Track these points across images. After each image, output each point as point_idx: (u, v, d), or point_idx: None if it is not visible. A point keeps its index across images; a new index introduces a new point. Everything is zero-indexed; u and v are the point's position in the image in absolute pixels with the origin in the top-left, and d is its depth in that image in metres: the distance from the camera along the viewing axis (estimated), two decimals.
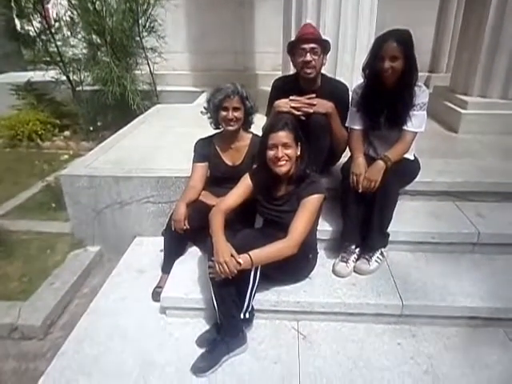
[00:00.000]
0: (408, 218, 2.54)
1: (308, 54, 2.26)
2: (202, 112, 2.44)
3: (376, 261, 2.31)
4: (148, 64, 5.62)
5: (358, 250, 2.34)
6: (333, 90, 2.42)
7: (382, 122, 2.27)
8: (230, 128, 2.33)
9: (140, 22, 5.31)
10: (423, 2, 5.93)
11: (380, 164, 2.16)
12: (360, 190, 2.17)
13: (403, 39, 2.09)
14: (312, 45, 2.26)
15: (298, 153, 2.00)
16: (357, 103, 2.34)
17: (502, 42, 3.60)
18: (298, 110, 2.27)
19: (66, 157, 4.48)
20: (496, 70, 3.69)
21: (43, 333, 2.29)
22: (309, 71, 2.30)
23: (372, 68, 2.19)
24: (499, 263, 2.39)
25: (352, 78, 2.58)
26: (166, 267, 2.42)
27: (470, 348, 1.98)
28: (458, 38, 4.40)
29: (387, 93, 2.21)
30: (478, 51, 3.74)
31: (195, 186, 2.42)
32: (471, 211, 2.62)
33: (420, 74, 2.17)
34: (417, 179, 2.52)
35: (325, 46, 2.34)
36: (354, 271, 2.30)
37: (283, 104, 2.31)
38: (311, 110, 2.28)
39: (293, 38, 2.50)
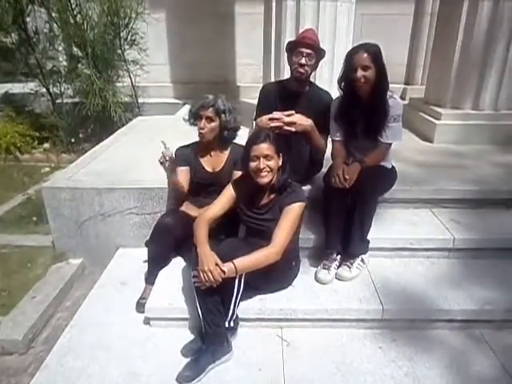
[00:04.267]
0: (387, 225, 2.63)
1: (303, 58, 2.39)
2: (183, 119, 2.51)
3: (357, 267, 2.36)
4: (130, 76, 5.63)
5: (339, 257, 2.39)
6: (318, 97, 2.55)
7: (359, 132, 2.38)
8: (202, 139, 2.42)
9: (121, 35, 5.33)
10: (398, 15, 6.15)
11: (356, 165, 2.29)
12: (339, 186, 2.24)
13: (373, 50, 2.21)
14: (309, 50, 2.40)
15: (280, 163, 2.05)
16: (335, 115, 2.44)
17: (472, 56, 3.76)
18: (278, 129, 2.34)
19: (46, 169, 4.44)
20: (467, 83, 3.86)
21: (25, 347, 2.25)
22: (301, 71, 2.42)
23: (346, 79, 2.30)
24: (474, 267, 2.48)
25: (331, 90, 2.70)
26: (150, 278, 2.41)
27: (448, 349, 2.05)
28: (431, 52, 4.58)
29: (362, 104, 2.31)
30: (450, 64, 3.90)
31: (181, 184, 2.47)
32: (446, 218, 2.72)
33: (396, 86, 2.28)
34: (395, 187, 2.60)
35: (320, 54, 2.48)
36: (336, 278, 2.34)
37: (264, 123, 2.40)
38: (293, 129, 2.37)
39: (285, 43, 2.57)
